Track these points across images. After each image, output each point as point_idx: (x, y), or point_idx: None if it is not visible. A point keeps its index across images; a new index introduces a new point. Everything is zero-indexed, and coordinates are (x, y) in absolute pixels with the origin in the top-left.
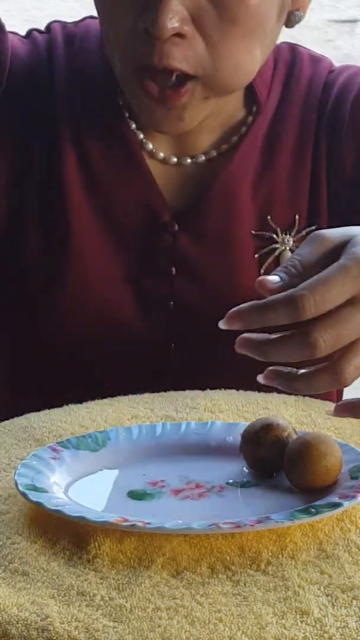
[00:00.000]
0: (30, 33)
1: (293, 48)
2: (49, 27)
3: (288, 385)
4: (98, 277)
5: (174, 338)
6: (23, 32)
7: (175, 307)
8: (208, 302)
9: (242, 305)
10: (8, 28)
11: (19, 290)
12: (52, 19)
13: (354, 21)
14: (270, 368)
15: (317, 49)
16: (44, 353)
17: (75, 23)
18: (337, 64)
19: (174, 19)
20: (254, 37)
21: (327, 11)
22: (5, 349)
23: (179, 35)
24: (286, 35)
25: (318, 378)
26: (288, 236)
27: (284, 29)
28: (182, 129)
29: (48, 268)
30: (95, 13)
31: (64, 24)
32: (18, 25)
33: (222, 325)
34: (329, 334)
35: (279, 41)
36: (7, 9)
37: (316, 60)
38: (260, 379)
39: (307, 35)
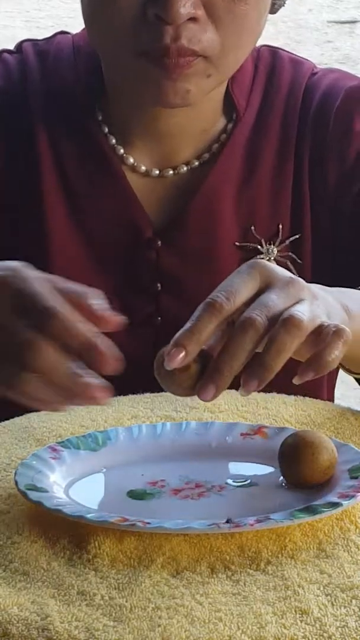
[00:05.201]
0: (0, 54)
1: (274, 52)
2: (19, 47)
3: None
4: None
5: None
6: (23, 33)
7: (162, 324)
8: None
9: (176, 337)
10: (8, 29)
11: None
12: (52, 20)
13: (353, 22)
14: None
15: (317, 50)
16: None
17: (46, 40)
18: (336, 65)
19: (187, 4)
20: (258, 17)
21: (326, 12)
22: None
23: (192, 19)
24: (286, 36)
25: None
26: (272, 246)
27: (284, 31)
28: (189, 101)
29: None
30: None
31: (34, 42)
32: (18, 26)
33: (167, 365)
34: (257, 310)
35: (277, 43)
36: (7, 9)
37: (297, 63)
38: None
39: (306, 36)
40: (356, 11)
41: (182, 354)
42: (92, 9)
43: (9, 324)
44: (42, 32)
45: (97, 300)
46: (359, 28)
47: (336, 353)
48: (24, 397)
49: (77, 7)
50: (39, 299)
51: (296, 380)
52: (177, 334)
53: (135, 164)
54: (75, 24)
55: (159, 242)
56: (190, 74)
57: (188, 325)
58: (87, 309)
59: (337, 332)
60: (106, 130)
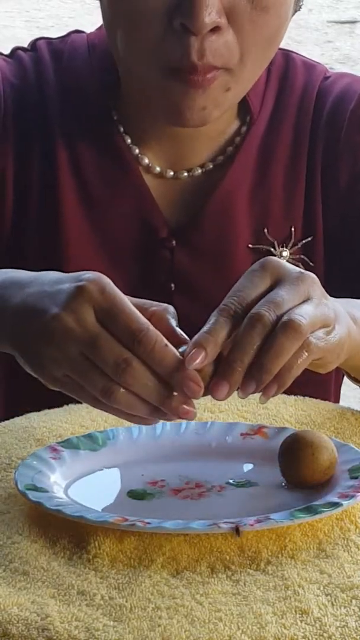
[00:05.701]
0: (14, 52)
1: (286, 55)
2: (34, 45)
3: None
4: None
5: None
6: (23, 33)
7: None
8: (208, 317)
9: (196, 339)
10: (8, 29)
11: None
12: (52, 20)
13: (353, 22)
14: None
15: (317, 50)
16: None
17: (61, 39)
18: (336, 64)
19: (212, 13)
20: (279, 27)
21: (326, 12)
22: (2, 359)
23: (215, 28)
24: (286, 36)
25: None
26: (285, 249)
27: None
28: (204, 119)
29: None
30: (91, 17)
31: (49, 41)
32: (18, 26)
33: (188, 365)
34: (265, 306)
35: None
36: (7, 9)
37: (310, 66)
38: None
39: (306, 36)
40: (356, 11)
41: (202, 354)
42: (112, 18)
43: (102, 341)
44: (42, 32)
45: (174, 318)
46: (359, 28)
47: (298, 365)
48: (112, 411)
49: (78, 7)
50: (130, 318)
51: (261, 400)
52: (196, 337)
53: (150, 165)
54: (75, 24)
55: (174, 242)
56: (210, 89)
57: (206, 328)
58: (165, 325)
59: (302, 345)
60: (122, 129)
